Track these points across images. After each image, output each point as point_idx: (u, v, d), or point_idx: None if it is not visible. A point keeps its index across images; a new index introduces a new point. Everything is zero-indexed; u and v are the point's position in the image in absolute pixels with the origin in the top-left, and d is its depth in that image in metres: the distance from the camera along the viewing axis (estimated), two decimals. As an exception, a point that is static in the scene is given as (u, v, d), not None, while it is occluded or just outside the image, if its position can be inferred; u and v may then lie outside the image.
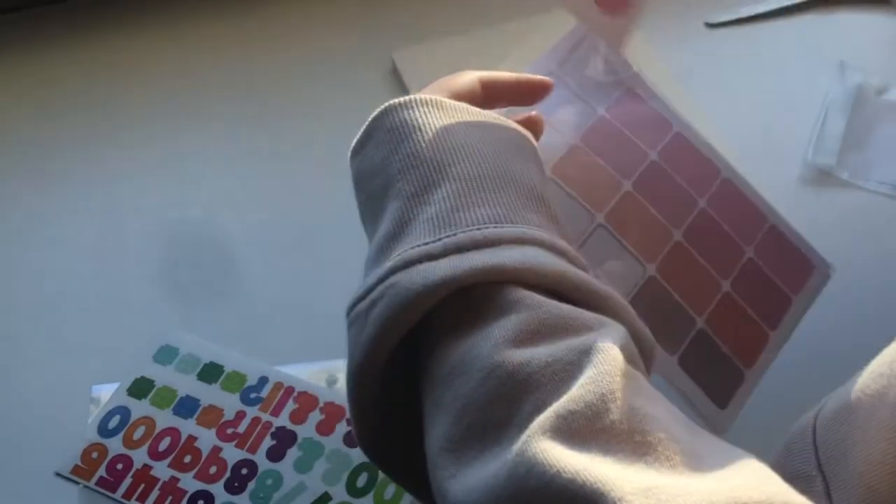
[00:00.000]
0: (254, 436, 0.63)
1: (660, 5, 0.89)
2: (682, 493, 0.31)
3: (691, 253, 0.58)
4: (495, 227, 0.42)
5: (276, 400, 0.65)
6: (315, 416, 0.64)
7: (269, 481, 0.61)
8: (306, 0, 0.90)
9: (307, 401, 0.65)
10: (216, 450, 0.62)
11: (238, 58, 0.86)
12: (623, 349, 0.38)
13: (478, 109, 0.49)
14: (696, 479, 0.32)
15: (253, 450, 0.62)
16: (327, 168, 0.72)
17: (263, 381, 0.66)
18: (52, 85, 0.85)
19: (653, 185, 0.59)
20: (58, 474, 0.61)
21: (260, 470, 0.62)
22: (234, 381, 0.66)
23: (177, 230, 0.75)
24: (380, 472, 0.61)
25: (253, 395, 0.65)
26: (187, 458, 0.62)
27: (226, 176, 0.79)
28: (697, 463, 0.33)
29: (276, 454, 0.62)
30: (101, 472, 0.61)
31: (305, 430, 0.63)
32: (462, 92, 0.51)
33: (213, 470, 0.61)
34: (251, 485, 0.61)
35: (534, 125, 0.55)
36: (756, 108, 0.81)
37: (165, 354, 0.67)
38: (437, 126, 0.46)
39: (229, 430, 0.63)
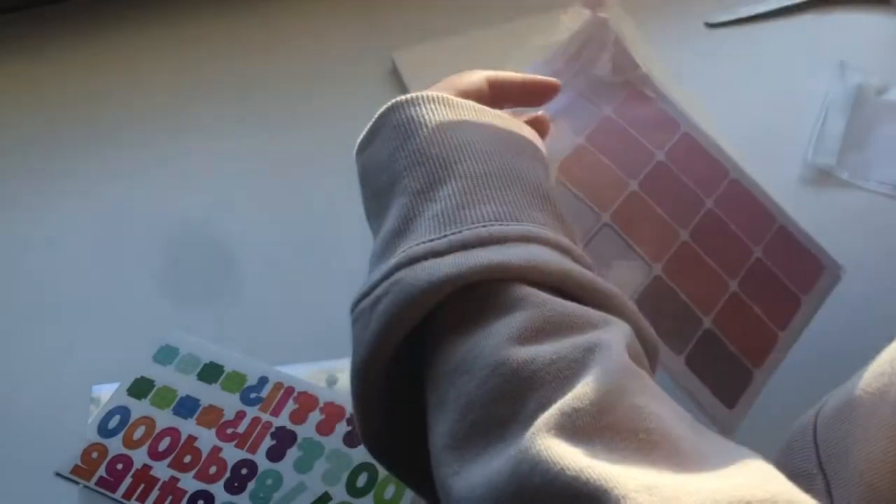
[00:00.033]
0: (254, 436, 0.63)
1: (660, 5, 0.89)
2: (686, 492, 0.31)
3: (698, 253, 0.58)
4: (501, 224, 0.42)
5: (276, 400, 0.65)
6: (315, 416, 0.64)
7: (269, 481, 0.61)
8: (307, 0, 0.90)
9: (307, 401, 0.65)
10: (216, 450, 0.62)
11: (238, 58, 0.86)
12: (628, 347, 0.38)
13: (485, 108, 0.49)
14: (699, 477, 0.32)
15: (253, 450, 0.62)
16: (327, 167, 0.72)
17: (263, 381, 0.66)
18: (52, 85, 0.84)
19: (659, 185, 0.59)
20: (58, 474, 0.61)
21: (260, 470, 0.61)
22: (234, 381, 0.66)
23: (177, 230, 0.75)
24: (380, 472, 0.61)
25: (253, 395, 0.65)
26: (187, 458, 0.62)
27: (226, 176, 0.79)
28: (701, 461, 0.33)
29: (276, 454, 0.62)
30: (101, 472, 0.61)
31: (305, 430, 0.63)
32: (469, 91, 0.51)
33: (212, 470, 0.61)
34: (251, 485, 0.61)
35: (540, 125, 0.55)
36: (756, 108, 0.81)
37: (165, 354, 0.67)
38: (444, 123, 0.46)
39: (229, 430, 0.63)
